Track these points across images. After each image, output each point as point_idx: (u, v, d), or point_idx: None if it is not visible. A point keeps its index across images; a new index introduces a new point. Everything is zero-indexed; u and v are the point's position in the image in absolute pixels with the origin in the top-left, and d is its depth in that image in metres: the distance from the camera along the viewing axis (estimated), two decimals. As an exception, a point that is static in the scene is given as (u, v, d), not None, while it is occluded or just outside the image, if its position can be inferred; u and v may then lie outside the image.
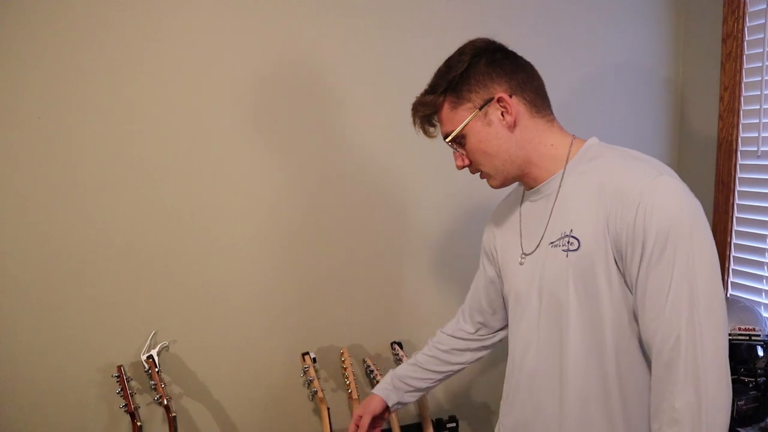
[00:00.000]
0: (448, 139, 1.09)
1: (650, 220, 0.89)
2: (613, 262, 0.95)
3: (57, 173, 1.60)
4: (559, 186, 1.05)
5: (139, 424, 1.64)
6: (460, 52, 1.06)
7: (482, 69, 1.03)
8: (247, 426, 1.84)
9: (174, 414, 1.65)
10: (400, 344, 1.89)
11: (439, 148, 1.87)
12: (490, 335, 1.36)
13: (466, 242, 1.94)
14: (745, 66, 1.98)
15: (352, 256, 1.87)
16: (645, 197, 0.90)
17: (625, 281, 0.96)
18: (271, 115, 1.76)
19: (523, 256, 1.11)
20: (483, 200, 1.89)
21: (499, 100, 1.03)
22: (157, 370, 1.66)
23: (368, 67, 1.82)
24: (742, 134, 2.01)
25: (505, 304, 1.26)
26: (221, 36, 1.68)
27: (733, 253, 2.07)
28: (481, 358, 1.40)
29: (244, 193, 1.76)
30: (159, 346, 1.71)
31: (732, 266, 2.07)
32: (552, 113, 1.10)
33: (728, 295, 2.09)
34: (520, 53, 1.10)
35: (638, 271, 0.92)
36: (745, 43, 1.97)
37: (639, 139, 2.18)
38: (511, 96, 1.03)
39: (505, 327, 1.33)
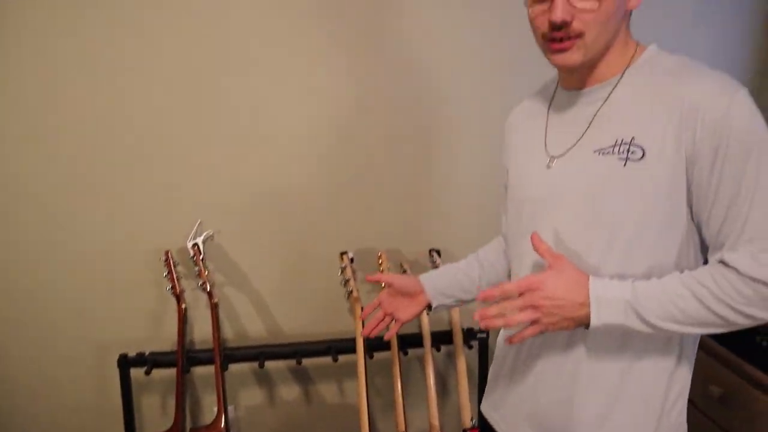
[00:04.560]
0: None
1: (732, 132, 0.86)
2: (683, 174, 0.90)
3: (107, 67, 1.62)
4: (611, 92, 0.98)
5: (184, 306, 1.74)
6: None
7: None
8: (284, 317, 1.92)
9: (216, 300, 1.74)
10: (438, 252, 1.89)
11: (493, 49, 1.78)
12: None
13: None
14: None
15: (395, 162, 1.85)
16: (728, 108, 0.86)
17: (688, 194, 0.92)
18: (325, 4, 1.69)
19: (552, 160, 1.03)
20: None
21: None
22: (201, 257, 1.73)
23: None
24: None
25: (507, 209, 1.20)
26: None
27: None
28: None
29: (290, 90, 1.73)
30: (204, 234, 1.77)
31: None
32: None
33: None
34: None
35: (717, 188, 0.89)
36: None
37: (722, 43, 1.95)
38: None
39: None
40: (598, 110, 0.98)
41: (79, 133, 1.66)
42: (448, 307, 1.31)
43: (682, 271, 0.94)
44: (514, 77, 1.79)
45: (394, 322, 1.28)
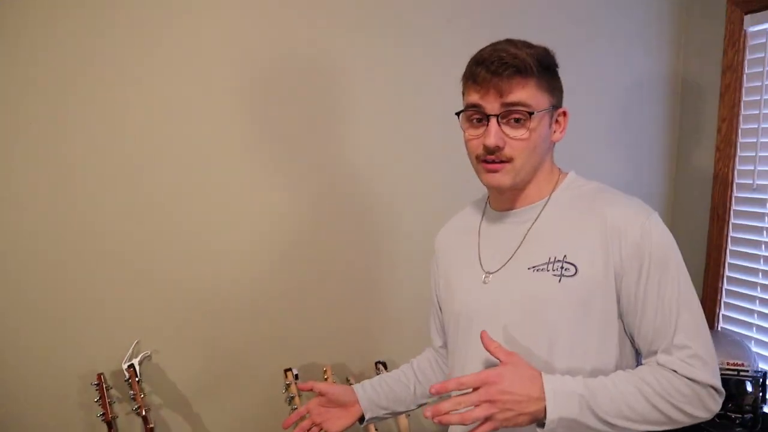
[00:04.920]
0: (528, 111, 0.98)
1: (652, 250, 0.98)
2: (614, 287, 0.99)
3: (44, 177, 1.59)
4: (540, 212, 1.07)
5: (116, 434, 1.63)
6: (548, 52, 1.05)
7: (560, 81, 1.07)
8: (226, 440, 1.82)
9: (152, 425, 1.63)
10: (384, 364, 1.87)
11: (430, 168, 1.88)
12: None
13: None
14: (743, 98, 1.97)
15: (339, 275, 1.87)
16: (648, 231, 0.98)
17: (618, 306, 1.00)
18: (267, 126, 1.75)
19: (488, 275, 1.09)
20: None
21: (561, 114, 1.07)
22: (137, 379, 1.65)
23: (367, 78, 1.82)
24: (738, 167, 2.00)
25: (443, 324, 1.25)
26: (224, 42, 1.68)
27: (725, 286, 2.05)
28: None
29: (232, 207, 1.75)
30: (141, 355, 1.70)
31: (724, 299, 2.06)
32: None
33: (718, 328, 2.07)
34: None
35: (644, 301, 0.99)
36: (745, 75, 1.96)
37: (634, 169, 2.17)
38: None
39: None
40: (528, 229, 1.07)
41: (8, 249, 1.60)
42: (381, 419, 1.29)
43: (624, 369, 0.99)
44: (457, 193, 1.89)
45: None
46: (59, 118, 1.58)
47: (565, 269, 0.99)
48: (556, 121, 1.06)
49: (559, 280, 1.00)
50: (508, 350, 0.95)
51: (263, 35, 1.71)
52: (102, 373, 1.65)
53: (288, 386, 1.72)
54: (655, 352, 0.98)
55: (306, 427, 1.22)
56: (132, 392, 1.64)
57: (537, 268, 1.03)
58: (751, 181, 1.95)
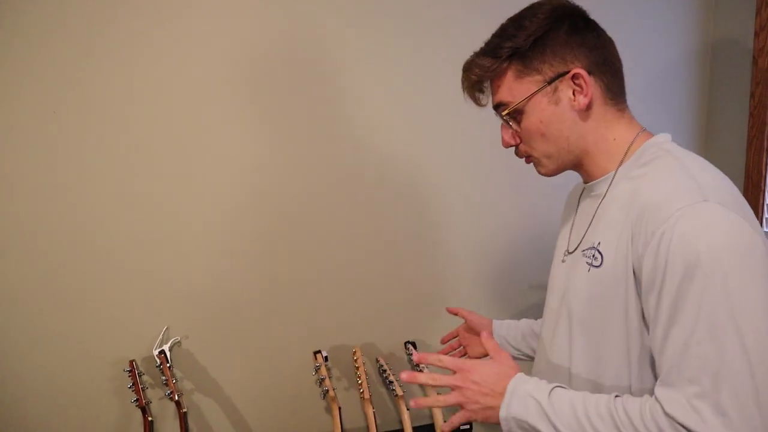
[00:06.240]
0: (504, 112, 0.94)
1: (674, 252, 0.75)
2: (634, 289, 0.84)
3: (67, 169, 1.60)
4: (608, 188, 0.94)
5: (150, 419, 1.64)
6: (535, 10, 0.91)
7: (562, 37, 0.90)
8: (258, 423, 1.83)
9: (185, 410, 1.65)
10: (413, 344, 1.86)
11: (458, 142, 1.85)
12: None
13: (481, 241, 1.90)
14: (778, 60, 1.90)
15: (366, 255, 1.85)
16: (672, 222, 0.76)
17: (644, 315, 0.84)
18: (279, 108, 1.73)
19: (567, 253, 1.04)
20: (497, 198, 1.85)
21: (574, 77, 0.90)
22: (168, 365, 1.66)
23: (375, 55, 1.78)
24: (773, 131, 1.93)
25: None
26: (219, 20, 1.65)
27: (762, 255, 1.99)
28: None
29: (256, 191, 1.74)
30: (171, 341, 1.71)
31: (761, 269, 1.99)
32: (625, 101, 0.97)
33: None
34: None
35: (656, 312, 0.79)
36: (779, 36, 1.88)
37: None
38: (589, 74, 0.90)
39: None
40: (597, 208, 0.96)
41: (35, 241, 1.61)
42: (515, 358, 1.18)
43: (640, 393, 0.87)
44: (481, 172, 1.86)
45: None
46: (77, 114, 1.58)
47: (595, 258, 0.90)
48: (576, 84, 0.91)
49: (588, 270, 0.91)
50: (501, 350, 0.94)
51: (275, 22, 1.68)
52: (134, 360, 1.67)
53: (318, 368, 1.72)
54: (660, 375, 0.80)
55: (455, 346, 1.43)
56: (164, 378, 1.65)
57: (584, 252, 0.95)
58: (787, 146, 1.88)
